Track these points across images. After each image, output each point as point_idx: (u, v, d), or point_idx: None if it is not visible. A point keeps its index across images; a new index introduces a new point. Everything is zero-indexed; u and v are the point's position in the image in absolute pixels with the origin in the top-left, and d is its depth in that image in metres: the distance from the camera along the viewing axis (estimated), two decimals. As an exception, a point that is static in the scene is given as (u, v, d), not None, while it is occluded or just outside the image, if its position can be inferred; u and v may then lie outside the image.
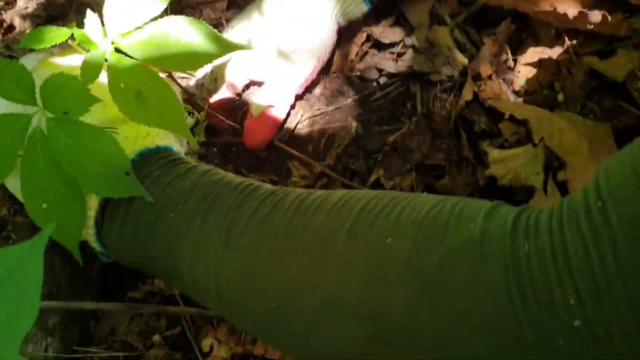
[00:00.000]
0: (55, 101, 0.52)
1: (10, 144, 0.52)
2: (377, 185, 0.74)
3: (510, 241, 0.35)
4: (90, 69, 0.51)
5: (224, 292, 0.46)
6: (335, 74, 0.81)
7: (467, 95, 0.70)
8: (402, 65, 0.79)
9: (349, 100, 0.79)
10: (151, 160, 0.54)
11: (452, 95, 0.75)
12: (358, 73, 0.81)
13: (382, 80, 0.80)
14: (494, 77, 0.70)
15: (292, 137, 0.77)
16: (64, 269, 0.62)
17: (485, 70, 0.71)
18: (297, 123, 0.78)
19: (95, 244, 0.55)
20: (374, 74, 0.81)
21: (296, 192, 0.48)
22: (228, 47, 0.55)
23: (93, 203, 0.53)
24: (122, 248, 0.54)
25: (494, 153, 0.66)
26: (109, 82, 0.51)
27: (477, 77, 0.73)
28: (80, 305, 0.61)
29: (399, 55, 0.80)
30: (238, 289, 0.45)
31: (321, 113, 0.78)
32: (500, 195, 0.69)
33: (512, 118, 0.68)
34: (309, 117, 0.78)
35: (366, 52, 0.82)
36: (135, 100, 0.51)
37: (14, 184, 0.57)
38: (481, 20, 0.80)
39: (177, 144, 0.58)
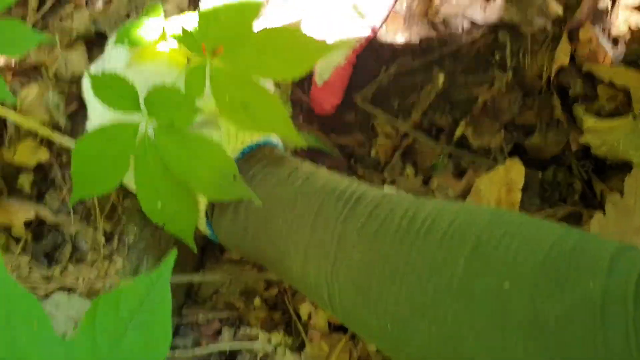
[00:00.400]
0: (161, 112, 0.53)
1: (122, 150, 0.54)
2: (463, 139, 0.74)
3: (634, 307, 0.36)
4: (195, 84, 0.52)
5: (336, 303, 0.49)
6: (418, 19, 0.78)
7: (562, 58, 0.68)
8: (490, 13, 0.76)
9: (434, 50, 0.77)
10: (254, 159, 0.56)
11: (544, 49, 0.72)
12: (442, 18, 0.78)
13: (469, 28, 0.77)
14: (593, 38, 0.67)
15: (376, 94, 0.76)
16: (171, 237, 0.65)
17: (584, 33, 0.67)
18: (382, 78, 0.77)
19: (206, 231, 0.58)
20: (459, 21, 0.77)
21: (403, 205, 0.48)
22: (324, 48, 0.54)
23: (203, 198, 0.56)
24: (233, 241, 0.57)
25: (589, 122, 0.65)
26: (213, 94, 0.52)
27: (572, 35, 0.70)
28: (189, 278, 0.66)
29: (488, 0, 0.77)
30: (350, 303, 0.48)
31: (406, 69, 0.76)
32: (594, 159, 0.68)
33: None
34: (394, 71, 0.77)
35: (451, -5, 0.78)
36: (242, 111, 0.52)
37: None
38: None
39: (274, 135, 0.60)
